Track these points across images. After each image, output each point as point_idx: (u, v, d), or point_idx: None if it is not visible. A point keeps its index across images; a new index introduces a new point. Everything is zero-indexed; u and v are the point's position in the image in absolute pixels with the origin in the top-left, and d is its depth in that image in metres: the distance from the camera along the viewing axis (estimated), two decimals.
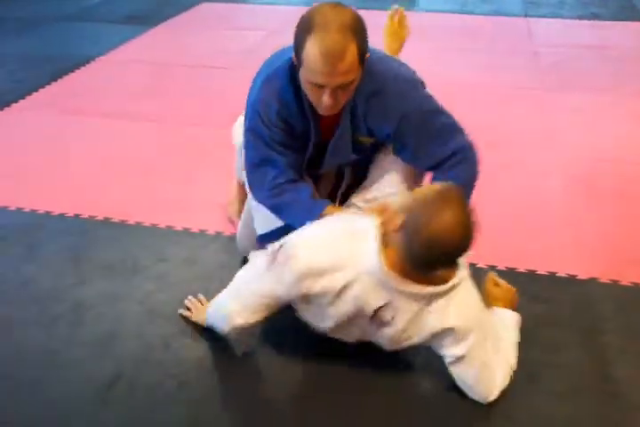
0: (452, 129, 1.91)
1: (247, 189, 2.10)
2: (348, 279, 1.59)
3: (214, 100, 3.77)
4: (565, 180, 2.94)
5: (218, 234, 2.53)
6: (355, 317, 1.66)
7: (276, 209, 1.98)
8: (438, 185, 1.60)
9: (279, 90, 1.85)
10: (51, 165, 3.09)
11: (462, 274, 1.63)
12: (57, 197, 2.83)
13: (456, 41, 4.87)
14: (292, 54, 1.71)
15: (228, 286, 1.84)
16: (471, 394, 1.74)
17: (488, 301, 1.87)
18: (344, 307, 1.64)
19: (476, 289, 1.71)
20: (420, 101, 1.87)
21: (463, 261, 1.65)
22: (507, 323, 1.87)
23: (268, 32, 4.99)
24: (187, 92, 3.95)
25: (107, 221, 2.63)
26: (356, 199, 2.05)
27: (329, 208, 1.91)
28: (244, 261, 2.02)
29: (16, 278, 2.30)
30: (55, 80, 4.10)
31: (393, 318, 1.63)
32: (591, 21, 5.33)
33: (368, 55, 1.71)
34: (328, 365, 1.89)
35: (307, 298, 1.66)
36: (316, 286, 1.61)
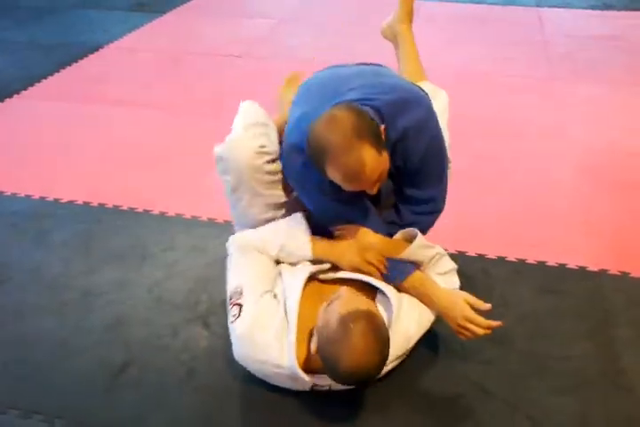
0: (441, 177, 1.93)
1: None
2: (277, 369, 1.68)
3: (225, 88, 3.76)
4: (576, 171, 2.92)
5: (227, 223, 2.52)
6: None
7: None
8: (345, 306, 1.59)
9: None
10: (60, 153, 3.09)
11: None
12: (66, 184, 2.83)
13: (467, 30, 4.84)
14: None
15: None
16: None
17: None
18: None
19: None
20: (434, 146, 1.85)
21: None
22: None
23: (278, 20, 4.97)
24: (197, 80, 3.94)
25: (116, 209, 2.63)
26: None
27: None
28: None
29: (26, 265, 2.31)
30: (65, 68, 4.10)
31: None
32: (603, 11, 5.27)
33: (383, 127, 1.69)
34: None
35: None
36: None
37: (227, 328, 1.94)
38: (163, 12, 5.21)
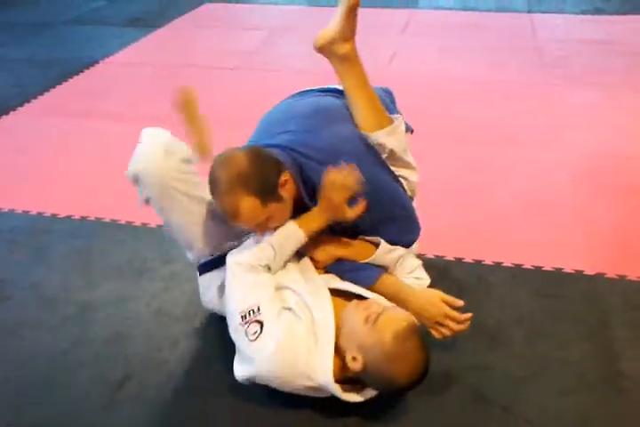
0: (384, 223, 1.90)
1: None
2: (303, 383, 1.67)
3: (220, 100, 3.78)
4: (572, 175, 2.93)
5: None
6: None
7: None
8: (395, 323, 1.63)
9: None
10: (57, 168, 3.11)
11: None
12: (63, 199, 2.84)
13: (459, 38, 4.87)
14: None
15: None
16: None
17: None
18: None
19: None
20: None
21: None
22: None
23: (270, 32, 5.00)
24: None
25: (113, 223, 2.65)
26: None
27: None
28: None
29: (25, 280, 2.32)
30: (61, 83, 4.13)
31: None
32: (595, 16, 5.30)
33: (286, 177, 1.72)
34: None
35: None
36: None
37: (228, 340, 1.95)
38: (157, 26, 5.24)
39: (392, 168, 1.92)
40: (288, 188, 1.75)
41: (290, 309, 1.71)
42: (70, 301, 2.22)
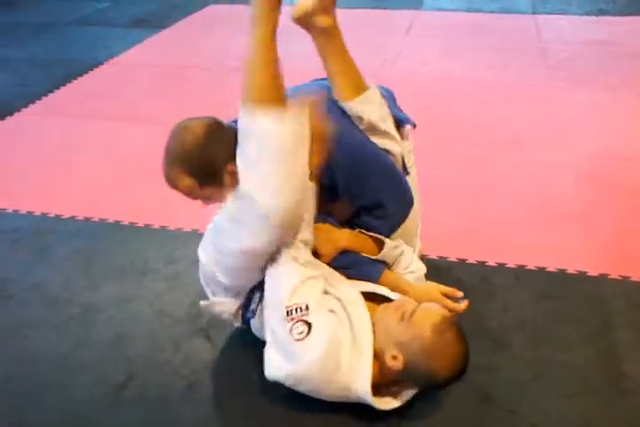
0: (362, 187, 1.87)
1: None
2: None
3: (225, 101, 3.77)
4: (575, 177, 2.92)
5: None
6: None
7: None
8: (431, 316, 1.62)
9: None
10: (61, 169, 3.12)
11: None
12: (67, 200, 2.85)
13: (463, 39, 4.86)
14: None
15: None
16: None
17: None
18: None
19: None
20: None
21: None
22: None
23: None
24: (197, 94, 3.96)
25: (117, 224, 2.65)
26: None
27: None
28: None
29: (28, 281, 2.32)
30: (65, 84, 4.14)
31: None
32: (599, 17, 5.30)
33: (232, 167, 1.67)
34: None
35: None
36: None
37: (229, 341, 1.96)
38: (161, 27, 5.25)
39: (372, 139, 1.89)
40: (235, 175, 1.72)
41: (334, 312, 1.68)
42: (73, 301, 2.22)
